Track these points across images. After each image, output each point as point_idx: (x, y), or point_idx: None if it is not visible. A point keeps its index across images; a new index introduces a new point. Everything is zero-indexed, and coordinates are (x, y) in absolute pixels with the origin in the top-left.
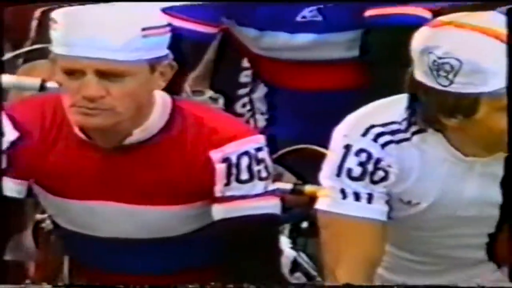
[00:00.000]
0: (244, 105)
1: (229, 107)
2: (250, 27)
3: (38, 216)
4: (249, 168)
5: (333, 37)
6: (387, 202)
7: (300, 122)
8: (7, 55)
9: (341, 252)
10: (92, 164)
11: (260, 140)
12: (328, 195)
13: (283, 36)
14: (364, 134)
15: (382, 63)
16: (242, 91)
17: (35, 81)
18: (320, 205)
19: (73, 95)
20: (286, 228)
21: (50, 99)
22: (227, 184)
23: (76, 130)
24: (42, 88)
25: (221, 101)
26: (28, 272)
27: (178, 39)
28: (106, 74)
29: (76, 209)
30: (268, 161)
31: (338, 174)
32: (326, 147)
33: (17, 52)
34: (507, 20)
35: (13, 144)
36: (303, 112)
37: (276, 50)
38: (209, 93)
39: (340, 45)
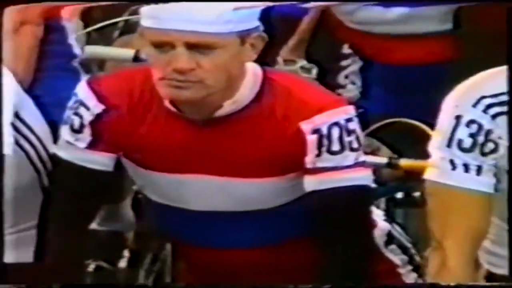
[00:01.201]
0: (342, 77)
1: (324, 77)
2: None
3: (136, 187)
4: (340, 139)
5: (427, 10)
6: (495, 175)
7: (394, 96)
8: (100, 24)
9: (448, 223)
10: (182, 137)
11: (350, 110)
12: (437, 165)
13: (376, 9)
14: (475, 105)
15: (475, 36)
16: (342, 63)
17: (129, 53)
18: (429, 175)
19: (163, 68)
20: (382, 201)
21: (138, 72)
22: (318, 155)
23: (166, 103)
24: (136, 59)
25: (314, 71)
26: (127, 242)
27: (269, 12)
28: (196, 46)
29: (166, 182)
30: (359, 132)
31: (449, 145)
32: (420, 120)
33: (112, 21)
34: (507, 20)
35: (98, 117)
36: (397, 86)
37: (370, 24)
38: (302, 62)
39: (433, 19)
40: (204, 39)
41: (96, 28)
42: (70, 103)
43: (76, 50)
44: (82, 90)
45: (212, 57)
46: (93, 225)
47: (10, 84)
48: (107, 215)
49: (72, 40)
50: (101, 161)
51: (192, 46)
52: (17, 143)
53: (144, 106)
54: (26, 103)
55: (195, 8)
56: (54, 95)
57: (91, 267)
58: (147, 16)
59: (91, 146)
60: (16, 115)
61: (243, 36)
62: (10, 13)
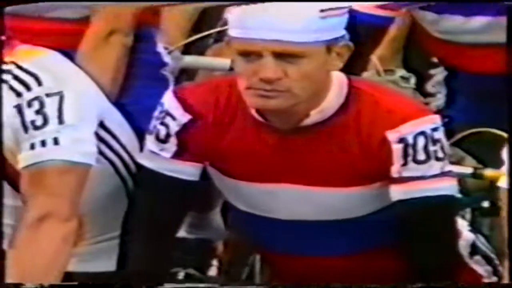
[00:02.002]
0: (430, 86)
1: (420, 86)
2: (429, 11)
3: None
4: (426, 148)
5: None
6: None
7: (478, 105)
8: (196, 36)
9: None
10: (269, 146)
11: (435, 120)
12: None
13: (459, 19)
14: None
15: None
16: (430, 72)
17: (225, 62)
18: (502, 183)
19: (250, 77)
20: (467, 212)
21: (224, 81)
22: (404, 164)
23: (252, 112)
24: (232, 69)
25: (412, 80)
26: (216, 251)
27: (355, 21)
28: (283, 55)
29: (252, 191)
30: (444, 141)
31: None
32: (504, 130)
33: (206, 33)
34: (507, 20)
35: (184, 127)
36: (481, 95)
37: (453, 33)
38: (401, 72)
39: None
40: (291, 48)
41: (193, 39)
42: (156, 113)
43: (165, 58)
44: (169, 100)
45: (299, 66)
46: (182, 233)
47: (95, 93)
48: (196, 223)
49: (160, 48)
50: (187, 170)
51: (279, 55)
52: (101, 153)
53: (230, 115)
54: (111, 112)
55: (281, 16)
56: (142, 103)
57: (181, 275)
58: (234, 25)
59: (177, 155)
60: (101, 125)
61: (329, 45)
62: (98, 22)
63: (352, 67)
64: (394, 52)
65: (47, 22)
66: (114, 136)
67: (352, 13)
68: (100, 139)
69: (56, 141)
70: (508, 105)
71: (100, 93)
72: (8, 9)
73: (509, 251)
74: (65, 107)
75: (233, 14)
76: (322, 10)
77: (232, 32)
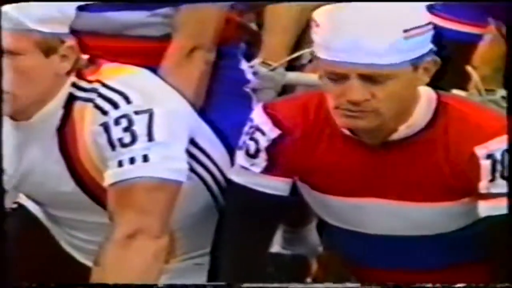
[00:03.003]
0: None
1: None
2: None
3: None
4: None
5: None
6: None
7: None
8: (297, 53)
9: None
10: (358, 160)
11: None
12: None
13: None
14: None
15: None
16: None
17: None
18: None
19: (337, 97)
20: None
21: (313, 96)
22: (492, 180)
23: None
24: None
25: None
26: (311, 267)
27: (441, 38)
28: (370, 77)
29: (341, 205)
30: None
31: None
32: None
33: (306, 50)
34: (507, 20)
35: (274, 142)
36: None
37: None
38: (501, 92)
39: None
40: (377, 71)
41: (295, 56)
42: (246, 128)
43: (249, 76)
44: (258, 115)
45: (385, 87)
46: (277, 248)
47: (185, 110)
48: (291, 238)
49: (244, 65)
50: (277, 185)
51: (365, 77)
52: (192, 169)
53: (318, 130)
54: (202, 128)
55: (365, 38)
56: (226, 120)
57: None
58: (320, 47)
59: (267, 170)
60: (192, 142)
61: (415, 63)
62: (180, 40)
63: (453, 85)
64: (495, 72)
65: (129, 40)
66: (204, 153)
67: (438, 29)
68: (191, 155)
69: (145, 158)
70: (508, 104)
71: (191, 110)
72: (86, 28)
73: (509, 251)
74: (155, 124)
75: (318, 35)
76: (406, 31)
77: (319, 53)
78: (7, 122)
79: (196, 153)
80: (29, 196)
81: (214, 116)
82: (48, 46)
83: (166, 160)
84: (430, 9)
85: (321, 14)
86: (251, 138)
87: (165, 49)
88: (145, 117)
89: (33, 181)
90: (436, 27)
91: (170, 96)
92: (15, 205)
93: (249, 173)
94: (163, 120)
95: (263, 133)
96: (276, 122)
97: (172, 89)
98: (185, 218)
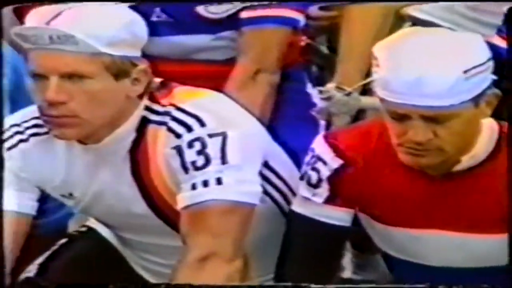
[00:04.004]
0: None
1: None
2: None
3: None
4: None
5: None
6: None
7: None
8: (370, 79)
9: None
10: (420, 191)
11: None
12: None
13: None
14: None
15: None
16: None
17: None
18: None
19: (399, 136)
20: None
21: (375, 125)
22: None
23: None
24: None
25: None
26: None
27: (503, 67)
28: (432, 118)
29: (402, 236)
30: None
31: None
32: None
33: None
34: (507, 20)
35: (336, 172)
36: None
37: None
38: None
39: None
40: (439, 112)
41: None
42: (307, 158)
43: (315, 99)
44: (319, 145)
45: (448, 126)
46: (348, 274)
47: (259, 133)
48: (362, 264)
49: (310, 89)
50: (339, 216)
51: (427, 118)
52: (266, 192)
53: (380, 160)
54: (275, 151)
55: (426, 81)
56: (296, 142)
57: None
58: (380, 86)
59: (329, 201)
60: (265, 164)
61: (477, 99)
62: (244, 63)
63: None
64: None
65: (195, 64)
66: (277, 175)
67: (498, 54)
68: (264, 178)
69: (219, 181)
70: (508, 106)
71: (264, 132)
72: (154, 52)
73: (509, 252)
74: (229, 147)
75: (378, 74)
76: (466, 71)
77: (379, 92)
78: (75, 145)
79: (269, 175)
80: (99, 219)
81: (286, 138)
82: (118, 69)
83: (240, 183)
84: (498, 32)
85: (380, 51)
86: (313, 168)
87: (230, 73)
88: (218, 140)
89: (104, 203)
90: (492, 46)
91: (244, 118)
92: (84, 228)
93: (311, 203)
94: (236, 143)
95: (324, 163)
96: (337, 152)
97: (246, 111)
98: (259, 241)
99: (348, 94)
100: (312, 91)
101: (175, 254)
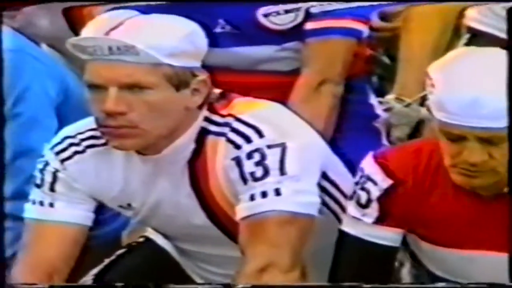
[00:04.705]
0: None
1: None
2: None
3: None
4: None
5: None
6: None
7: None
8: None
9: None
10: (470, 211)
11: None
12: None
13: None
14: None
15: None
16: None
17: None
18: None
19: (454, 156)
20: None
21: (425, 145)
22: None
23: None
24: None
25: None
26: None
27: None
28: (488, 139)
29: (450, 257)
30: None
31: None
32: None
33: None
34: (507, 20)
35: (385, 192)
36: None
37: None
38: None
39: None
40: (494, 134)
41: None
42: (357, 178)
43: (378, 110)
44: (369, 165)
45: (502, 147)
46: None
47: (318, 144)
48: (420, 275)
49: (373, 100)
50: (389, 236)
51: (483, 139)
52: (324, 203)
53: (430, 180)
54: (334, 162)
55: (481, 101)
56: (357, 154)
57: None
58: (436, 106)
59: (379, 221)
60: (323, 175)
61: None
62: (308, 74)
63: None
64: None
65: (259, 75)
66: (336, 186)
67: None
68: (322, 189)
69: (277, 192)
70: (508, 104)
71: (323, 144)
72: (216, 63)
73: (509, 251)
74: (288, 158)
75: (433, 94)
76: None
77: (434, 112)
78: (133, 156)
79: (328, 186)
80: (157, 229)
81: (345, 149)
82: (179, 80)
83: (298, 194)
84: None
85: (435, 71)
86: (362, 188)
87: (294, 84)
88: (277, 151)
89: (162, 214)
90: None
91: (302, 129)
92: (142, 239)
93: (361, 223)
94: (295, 154)
95: (374, 183)
96: (387, 172)
97: (305, 122)
98: (317, 252)
99: (408, 105)
100: (375, 102)
101: (233, 264)
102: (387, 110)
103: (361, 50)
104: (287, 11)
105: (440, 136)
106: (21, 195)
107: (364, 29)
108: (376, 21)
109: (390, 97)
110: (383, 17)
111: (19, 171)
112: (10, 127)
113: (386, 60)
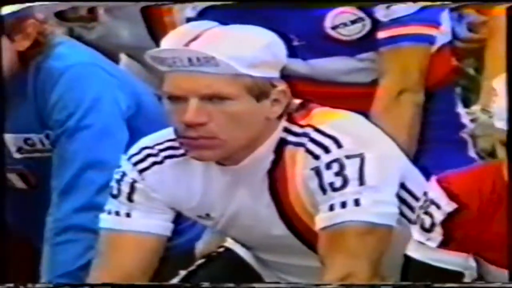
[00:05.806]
0: None
1: None
2: None
3: None
4: None
5: None
6: None
7: None
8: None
9: None
10: None
11: None
12: None
13: None
14: None
15: None
16: None
17: None
18: None
19: None
20: None
21: (488, 168)
22: None
23: None
24: None
25: None
26: None
27: None
28: None
29: None
30: None
31: None
32: None
33: None
34: (507, 20)
35: (449, 216)
36: None
37: None
38: None
39: None
40: None
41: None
42: (420, 202)
43: (464, 120)
44: (433, 189)
45: None
46: None
47: (397, 155)
48: None
49: (460, 109)
50: (453, 261)
51: None
52: (402, 214)
53: (494, 203)
54: (412, 173)
55: None
56: (441, 167)
57: None
58: (498, 116)
59: (443, 245)
60: (402, 185)
61: None
62: (386, 84)
63: None
64: None
65: (339, 86)
66: (414, 197)
67: None
68: (401, 200)
69: (357, 202)
70: (508, 105)
71: (401, 154)
72: (296, 74)
73: (509, 250)
74: (366, 168)
75: (496, 104)
76: None
77: (496, 122)
78: (213, 167)
79: (406, 197)
80: (237, 239)
81: (426, 162)
82: (259, 91)
83: (377, 204)
84: None
85: (500, 82)
86: (426, 212)
87: (374, 94)
88: (356, 161)
89: (242, 224)
90: None
91: (381, 140)
92: (221, 249)
93: (425, 248)
94: (374, 164)
95: (438, 207)
96: (451, 196)
97: (383, 133)
98: (394, 263)
99: (493, 116)
100: (462, 111)
101: (313, 275)
102: (472, 121)
103: (446, 59)
104: (353, 22)
105: (500, 149)
106: (91, 207)
107: (435, 33)
108: (464, 32)
109: (475, 108)
110: (471, 28)
111: (89, 183)
112: (80, 138)
113: (471, 71)
